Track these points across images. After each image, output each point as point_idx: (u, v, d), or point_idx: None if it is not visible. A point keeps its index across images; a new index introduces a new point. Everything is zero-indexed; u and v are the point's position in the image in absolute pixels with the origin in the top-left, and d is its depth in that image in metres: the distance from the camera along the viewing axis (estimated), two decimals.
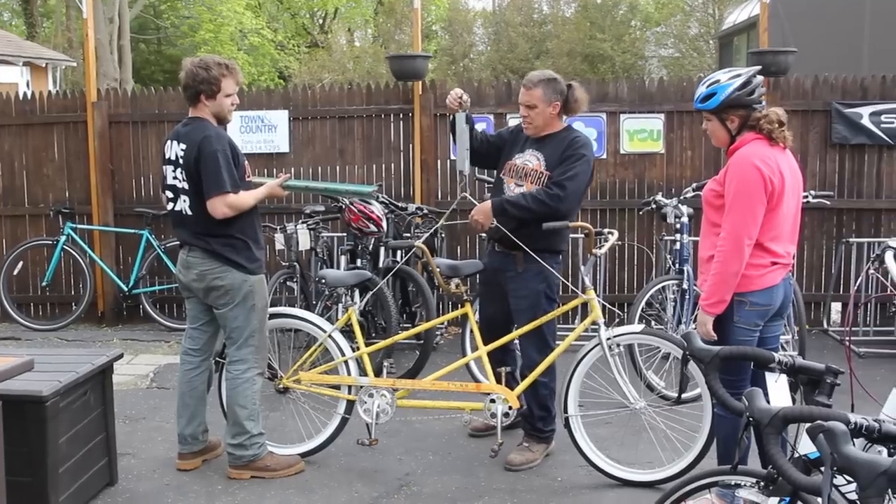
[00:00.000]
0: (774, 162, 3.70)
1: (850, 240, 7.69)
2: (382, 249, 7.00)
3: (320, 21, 32.86)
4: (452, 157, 8.02)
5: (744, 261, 3.68)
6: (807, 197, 6.71)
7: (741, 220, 3.66)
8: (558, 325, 5.03)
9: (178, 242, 4.76)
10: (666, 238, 7.26)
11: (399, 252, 7.18)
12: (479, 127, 5.07)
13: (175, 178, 4.50)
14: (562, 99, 4.75)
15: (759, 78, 3.83)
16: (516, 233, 4.67)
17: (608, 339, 4.56)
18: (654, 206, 6.96)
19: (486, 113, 8.08)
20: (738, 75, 3.78)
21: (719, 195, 3.77)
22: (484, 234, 5.46)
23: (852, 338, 7.27)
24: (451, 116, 4.92)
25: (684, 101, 7.90)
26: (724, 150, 3.89)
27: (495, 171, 5.05)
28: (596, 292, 5.10)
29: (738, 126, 3.79)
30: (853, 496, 2.06)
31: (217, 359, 4.86)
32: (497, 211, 4.68)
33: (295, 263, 7.08)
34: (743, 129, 3.79)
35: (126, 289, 8.38)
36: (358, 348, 4.95)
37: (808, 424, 2.07)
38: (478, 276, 5.19)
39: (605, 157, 8.12)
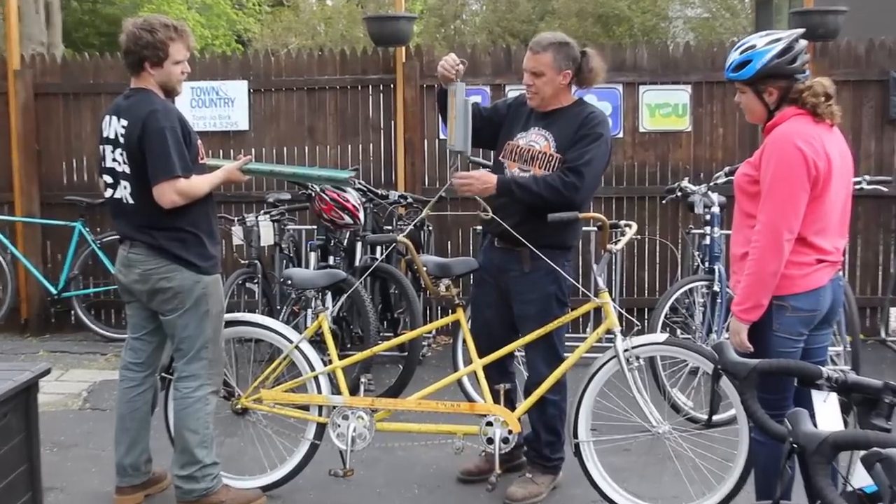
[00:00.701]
0: (819, 142, 3.70)
1: None
2: (359, 245, 6.99)
3: None
4: (442, 137, 8.02)
5: (783, 258, 3.68)
6: (859, 183, 6.73)
7: (780, 211, 3.66)
8: (567, 335, 5.03)
9: (117, 237, 4.74)
10: (693, 231, 7.27)
11: (379, 248, 7.17)
12: (473, 100, 5.05)
13: (114, 160, 4.48)
14: (574, 67, 4.75)
15: (803, 43, 3.82)
16: (521, 226, 4.66)
17: (626, 350, 4.56)
18: (679, 193, 6.97)
19: (480, 84, 8.09)
20: (778, 39, 3.78)
21: (754, 181, 3.78)
22: (479, 228, 5.45)
23: None
24: (438, 87, 4.90)
25: (715, 69, 7.91)
26: (761, 127, 3.89)
27: (493, 154, 5.04)
28: (611, 295, 5.11)
29: (776, 99, 3.80)
30: None
31: (163, 374, 4.84)
32: (502, 190, 4.65)
33: (256, 261, 7.07)
34: (783, 103, 3.79)
35: (55, 292, 8.35)
36: (330, 362, 4.94)
37: (862, 452, 2.07)
38: (471, 277, 5.19)
39: (621, 135, 8.14)
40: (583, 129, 4.68)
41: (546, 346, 4.78)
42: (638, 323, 5.00)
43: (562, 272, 4.74)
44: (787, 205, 3.65)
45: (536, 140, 4.78)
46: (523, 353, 5.06)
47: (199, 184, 4.47)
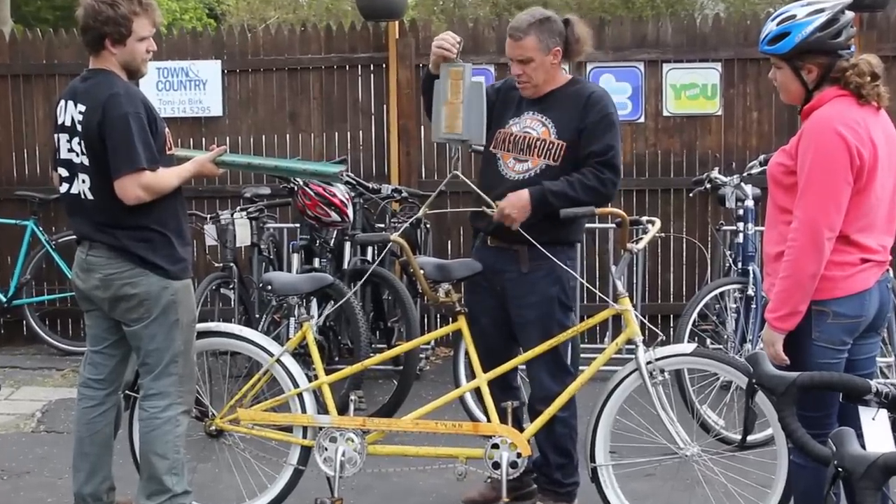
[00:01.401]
0: (864, 127, 3.70)
1: None
2: (348, 245, 7.00)
3: None
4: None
5: (823, 259, 3.68)
6: None
7: (819, 205, 3.66)
8: (582, 345, 5.04)
9: (74, 237, 4.75)
10: (724, 228, 7.28)
11: (370, 249, 7.17)
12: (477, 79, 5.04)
13: (71, 150, 4.49)
14: (562, 42, 4.78)
15: (849, 15, 3.81)
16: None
17: (649, 363, 4.57)
18: (708, 185, 6.99)
19: (483, 63, 8.10)
20: (821, 10, 3.77)
21: (790, 171, 3.78)
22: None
23: None
24: (426, 72, 4.91)
25: (748, 45, 7.92)
26: (798, 110, 3.89)
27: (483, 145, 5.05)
28: (632, 301, 5.11)
29: (816, 78, 3.79)
30: None
31: (128, 392, 4.85)
32: (539, 205, 4.66)
33: (231, 264, 7.08)
34: (823, 83, 3.79)
35: (4, 299, 8.35)
36: (316, 377, 4.94)
37: None
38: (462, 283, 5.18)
39: (642, 120, 8.15)
40: (591, 113, 4.71)
41: (552, 359, 4.79)
42: (662, 334, 5.00)
43: (567, 270, 4.75)
44: (828, 198, 3.65)
45: (532, 126, 4.80)
46: (524, 365, 5.04)
47: (167, 177, 4.47)
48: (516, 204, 4.67)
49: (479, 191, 4.79)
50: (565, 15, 4.90)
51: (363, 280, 5.87)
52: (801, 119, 3.84)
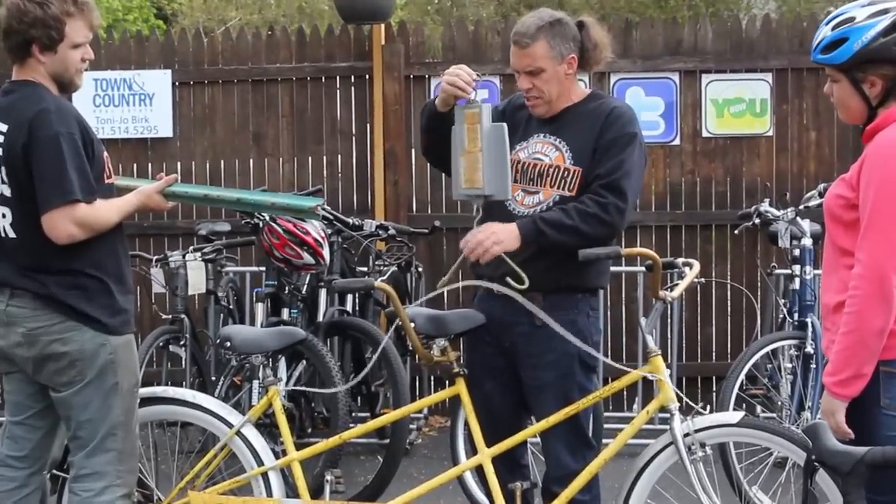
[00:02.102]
0: None
1: None
2: (324, 293, 6.99)
3: None
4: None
5: (892, 310, 3.66)
6: None
7: (886, 246, 3.65)
8: (607, 414, 5.03)
9: None
10: (777, 272, 7.29)
11: (350, 297, 7.16)
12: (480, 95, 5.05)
13: None
14: (577, 48, 4.79)
15: None
16: (531, 263, 4.68)
17: (687, 435, 4.56)
18: (757, 220, 6.99)
19: (487, 74, 8.11)
20: (885, 11, 3.76)
21: (851, 204, 3.76)
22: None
23: None
24: (428, 107, 4.90)
25: (804, 52, 7.91)
26: (860, 131, 3.89)
27: None
28: (666, 360, 5.11)
29: (881, 92, 3.78)
30: None
31: (55, 472, 4.83)
32: (528, 236, 4.64)
33: (182, 316, 7.07)
34: (889, 98, 3.79)
35: None
36: (284, 453, 4.92)
37: None
38: (461, 339, 5.18)
39: (677, 142, 8.18)
40: (607, 131, 4.70)
41: (570, 428, 4.76)
42: (702, 400, 5.00)
43: (589, 324, 4.75)
44: (895, 237, 3.66)
45: (544, 151, 4.80)
46: (536, 439, 5.03)
47: (106, 212, 4.47)
48: (493, 232, 4.61)
49: (513, 264, 4.69)
50: (580, 17, 4.91)
51: (338, 330, 5.87)
52: (864, 142, 3.83)
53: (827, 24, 3.82)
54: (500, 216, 4.80)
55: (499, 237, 4.60)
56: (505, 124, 4.70)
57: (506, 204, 4.80)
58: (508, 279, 4.66)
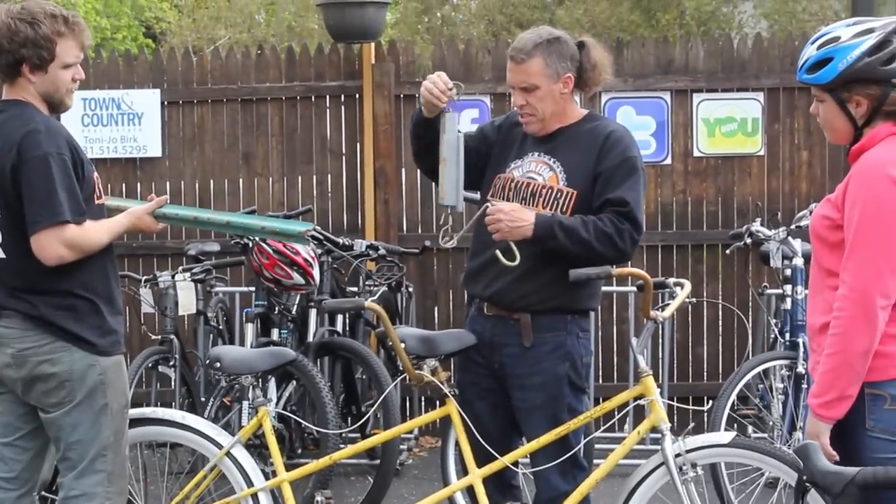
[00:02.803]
0: None
1: None
2: (314, 313, 6.99)
3: None
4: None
5: (877, 332, 3.62)
6: None
7: (870, 268, 3.61)
8: (598, 434, 5.03)
9: None
10: (769, 292, 7.30)
11: (340, 318, 7.16)
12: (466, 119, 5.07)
13: None
14: (575, 68, 4.79)
15: None
16: (521, 282, 4.69)
17: (678, 455, 4.56)
18: (748, 240, 7.00)
19: (478, 94, 8.13)
20: (870, 31, 3.73)
21: (836, 225, 3.73)
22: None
23: None
24: (416, 115, 4.91)
25: (795, 72, 7.97)
26: (845, 151, 3.86)
27: (479, 192, 5.06)
28: (657, 380, 5.10)
29: (866, 112, 3.74)
30: None
31: (45, 494, 4.82)
32: (542, 233, 4.62)
33: (172, 337, 7.06)
34: (875, 119, 3.75)
35: None
36: (274, 474, 4.92)
37: None
38: (452, 359, 5.18)
39: (668, 161, 8.19)
40: (609, 156, 4.69)
41: (560, 449, 4.74)
42: (693, 420, 5.00)
43: (580, 344, 4.75)
44: (880, 259, 3.60)
45: (538, 170, 4.80)
46: (527, 460, 5.02)
47: (96, 233, 4.46)
48: (511, 214, 4.62)
49: (513, 245, 4.69)
50: (576, 35, 4.91)
51: (329, 351, 5.86)
52: (849, 161, 3.81)
53: (812, 43, 3.81)
54: (490, 235, 4.81)
55: (516, 223, 4.61)
56: (462, 134, 4.75)
57: None
58: (498, 252, 4.65)
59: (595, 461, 4.86)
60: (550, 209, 4.71)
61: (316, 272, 6.71)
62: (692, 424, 4.80)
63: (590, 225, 4.61)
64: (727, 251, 7.73)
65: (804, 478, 2.67)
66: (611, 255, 4.64)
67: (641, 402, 4.75)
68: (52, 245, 4.35)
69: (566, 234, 4.60)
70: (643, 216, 4.74)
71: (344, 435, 6.78)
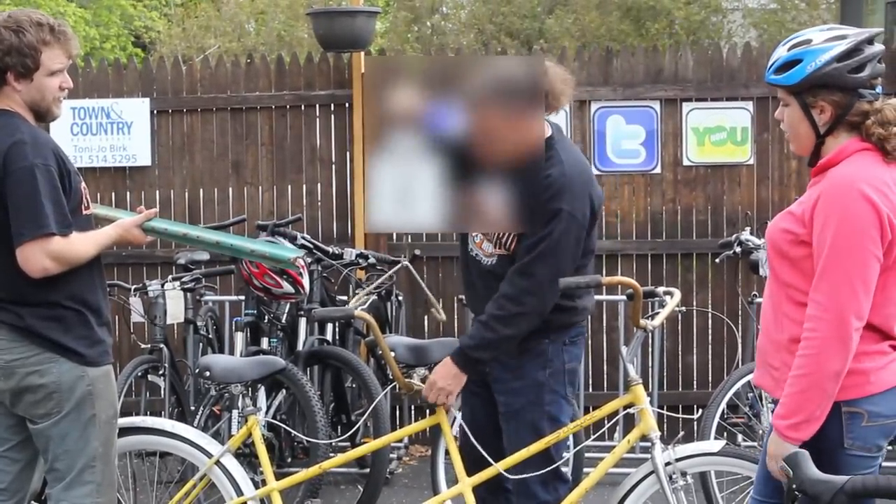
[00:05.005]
0: (893, 190, 3.62)
1: None
2: (303, 322, 7.00)
3: None
4: None
5: (850, 353, 3.58)
6: None
7: (845, 288, 3.56)
8: (588, 443, 5.04)
9: None
10: (758, 301, 7.29)
11: (330, 326, 7.16)
12: None
13: None
14: None
15: (877, 48, 3.73)
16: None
17: (668, 464, 4.58)
18: (738, 249, 7.02)
19: None
20: (842, 37, 3.71)
21: (800, 241, 3.69)
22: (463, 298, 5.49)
23: None
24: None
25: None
26: (808, 163, 3.83)
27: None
28: (647, 388, 5.12)
29: (829, 120, 3.71)
30: None
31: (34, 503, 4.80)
32: (463, 365, 4.71)
33: (161, 346, 7.05)
34: (837, 127, 3.72)
35: None
36: (264, 483, 4.93)
37: None
38: None
39: (658, 170, 8.20)
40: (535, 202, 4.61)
41: (543, 461, 4.74)
42: (683, 429, 5.01)
43: (562, 352, 4.76)
44: (855, 279, 3.55)
45: (479, 244, 4.85)
46: None
47: (82, 245, 4.45)
48: (444, 375, 4.72)
49: (427, 290, 4.75)
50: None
51: (319, 360, 5.86)
52: (811, 174, 3.78)
53: (784, 45, 3.79)
54: (467, 260, 4.86)
55: (447, 388, 4.73)
56: None
57: (469, 250, 4.83)
58: (437, 315, 4.69)
59: (585, 469, 4.87)
60: (495, 247, 4.74)
61: (306, 281, 6.72)
62: (682, 433, 4.81)
63: (490, 322, 4.65)
64: (717, 260, 7.72)
65: (794, 486, 2.67)
66: (525, 325, 4.64)
67: (631, 410, 4.78)
68: (36, 257, 4.33)
69: (482, 349, 4.68)
70: (547, 265, 4.57)
71: (334, 444, 6.79)
